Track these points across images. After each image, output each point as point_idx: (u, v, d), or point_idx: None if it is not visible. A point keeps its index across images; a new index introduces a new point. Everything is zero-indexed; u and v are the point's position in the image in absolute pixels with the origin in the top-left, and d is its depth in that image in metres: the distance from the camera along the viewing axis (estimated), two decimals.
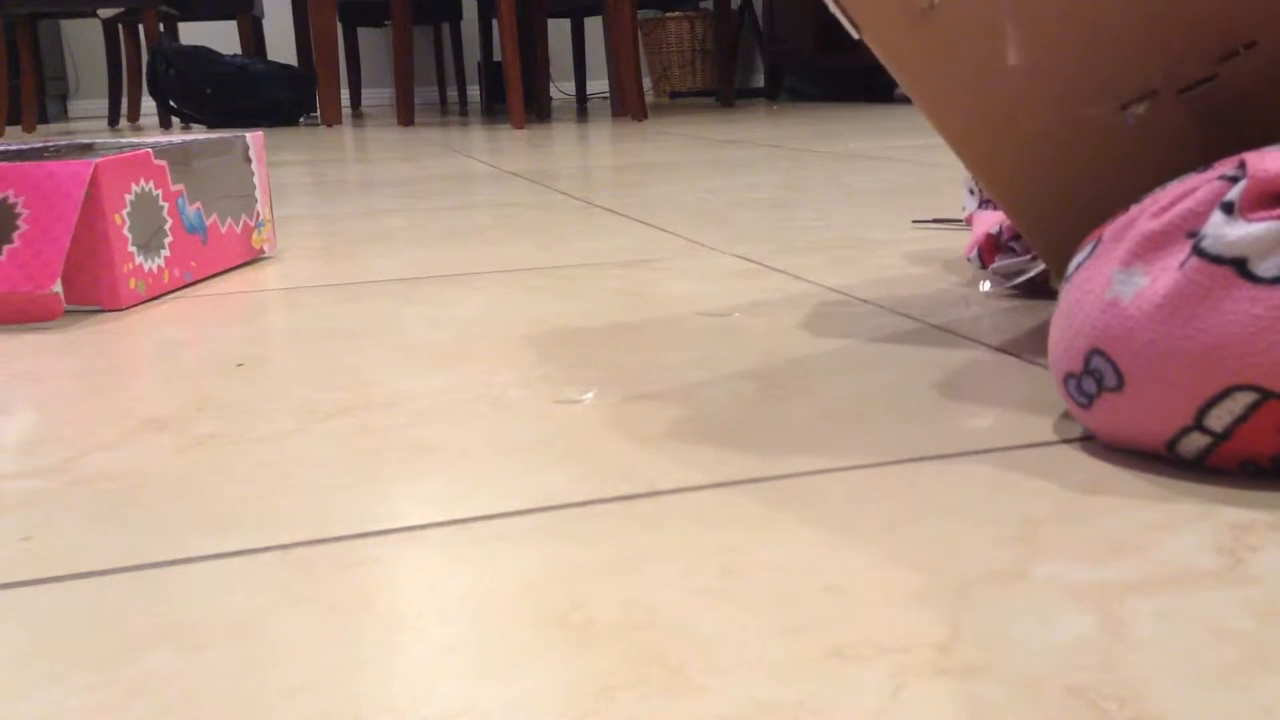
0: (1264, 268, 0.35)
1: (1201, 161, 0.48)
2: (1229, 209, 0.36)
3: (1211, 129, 0.46)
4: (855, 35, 0.42)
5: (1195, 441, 0.37)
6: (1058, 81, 0.43)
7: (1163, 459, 0.39)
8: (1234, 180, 0.37)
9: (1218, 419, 0.36)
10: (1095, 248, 0.40)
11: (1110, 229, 0.40)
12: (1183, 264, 0.36)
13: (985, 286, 0.69)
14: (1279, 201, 0.35)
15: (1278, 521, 0.34)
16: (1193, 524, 0.34)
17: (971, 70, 0.43)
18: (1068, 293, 0.41)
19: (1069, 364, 0.40)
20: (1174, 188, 0.39)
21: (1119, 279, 0.38)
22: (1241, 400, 0.35)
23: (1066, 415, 0.45)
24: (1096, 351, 0.39)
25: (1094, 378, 0.39)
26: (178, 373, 0.57)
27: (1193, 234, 0.37)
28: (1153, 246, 0.38)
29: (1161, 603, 0.30)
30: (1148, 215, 0.38)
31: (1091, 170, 0.48)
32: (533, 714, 0.26)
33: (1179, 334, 0.36)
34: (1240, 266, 0.35)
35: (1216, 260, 0.35)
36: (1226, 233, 0.35)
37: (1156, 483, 0.38)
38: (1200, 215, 0.37)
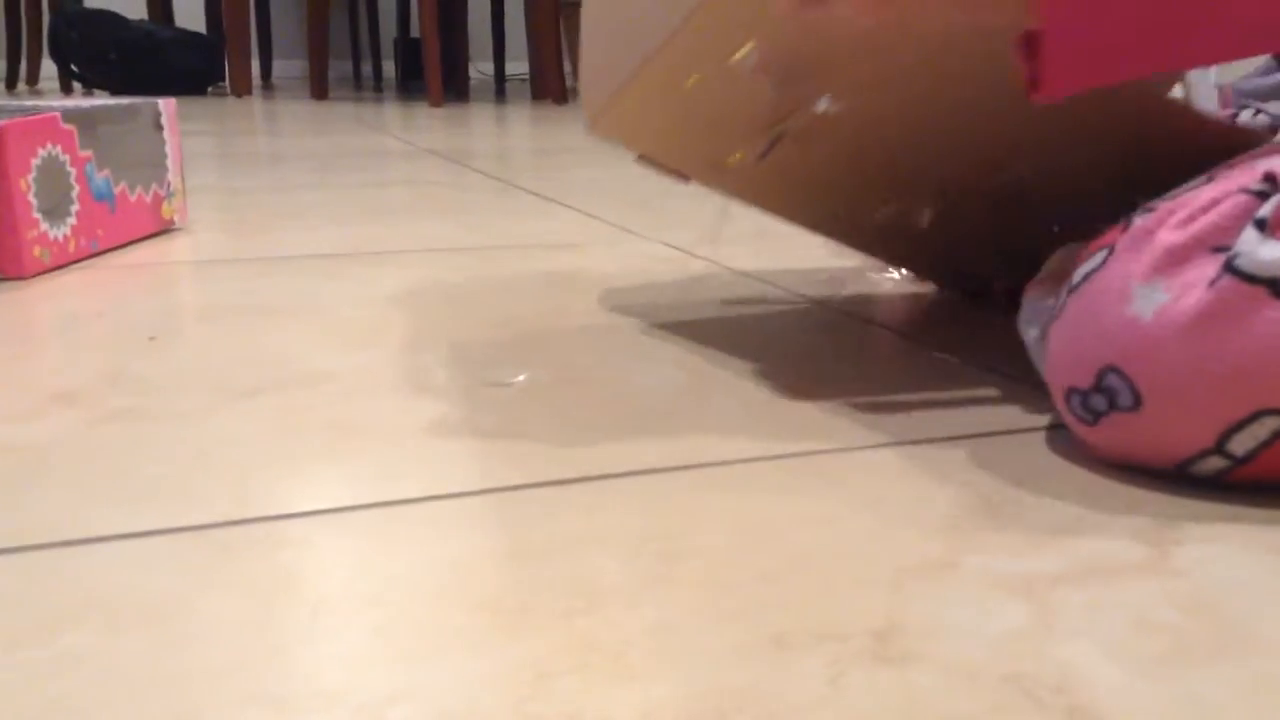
0: None
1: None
2: (1262, 226, 0.35)
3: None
4: (685, 183, 0.57)
5: (1213, 464, 0.36)
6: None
7: (1092, 458, 0.40)
8: (1261, 195, 0.36)
9: (1240, 444, 0.35)
10: (1107, 258, 0.38)
11: (1123, 239, 0.38)
12: (1214, 282, 0.35)
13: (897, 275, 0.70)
14: None
15: (1202, 516, 0.35)
16: (1119, 518, 0.35)
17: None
18: (1074, 302, 0.39)
19: (1075, 379, 0.38)
20: (1189, 199, 0.37)
21: (1139, 294, 0.36)
22: (1269, 425, 0.35)
23: (995, 406, 0.46)
24: (1112, 369, 0.37)
25: (1105, 396, 0.37)
26: (87, 345, 0.55)
27: (1218, 249, 0.36)
28: (1174, 261, 0.36)
29: (1090, 594, 0.30)
30: (1168, 228, 0.37)
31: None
32: (468, 701, 0.25)
33: (1207, 355, 0.35)
34: (1274, 287, 0.34)
35: (1251, 280, 0.34)
36: (1260, 251, 0.34)
37: (1085, 477, 0.38)
38: (1226, 230, 0.36)
